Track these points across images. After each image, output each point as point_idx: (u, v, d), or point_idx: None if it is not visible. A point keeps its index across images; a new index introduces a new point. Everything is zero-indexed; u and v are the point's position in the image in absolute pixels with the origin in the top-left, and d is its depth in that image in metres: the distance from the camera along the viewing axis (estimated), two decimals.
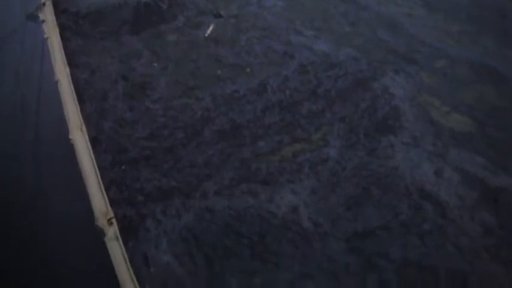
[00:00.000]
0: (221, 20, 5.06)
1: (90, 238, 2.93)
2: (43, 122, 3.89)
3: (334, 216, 3.11)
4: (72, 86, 3.90)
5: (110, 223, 2.91)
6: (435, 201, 3.15)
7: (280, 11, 5.15)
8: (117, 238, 2.83)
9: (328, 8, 5.18)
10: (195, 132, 3.73)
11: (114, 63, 4.50)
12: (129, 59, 4.55)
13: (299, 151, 3.55)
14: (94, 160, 3.27)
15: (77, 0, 5.29)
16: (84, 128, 3.53)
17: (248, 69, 4.33)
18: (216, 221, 3.10)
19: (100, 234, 2.85)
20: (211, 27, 4.96)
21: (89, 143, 3.40)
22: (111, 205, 3.02)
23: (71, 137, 3.45)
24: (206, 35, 4.87)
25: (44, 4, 4.95)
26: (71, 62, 4.28)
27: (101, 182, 3.12)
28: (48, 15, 4.81)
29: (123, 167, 3.48)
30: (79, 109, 3.70)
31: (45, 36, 4.54)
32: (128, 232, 3.00)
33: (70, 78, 3.99)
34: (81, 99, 3.91)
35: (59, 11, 5.03)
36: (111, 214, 2.95)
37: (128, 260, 2.72)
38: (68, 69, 4.08)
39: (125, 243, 2.86)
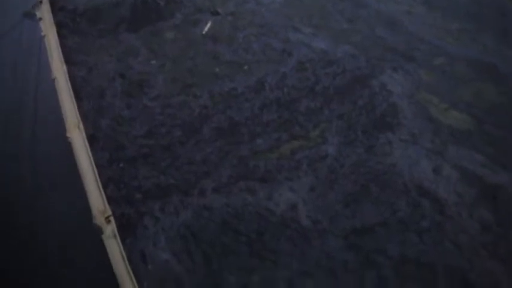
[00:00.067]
0: (218, 17, 5.05)
1: (88, 236, 2.92)
2: (40, 120, 3.87)
3: (332, 213, 3.11)
4: (69, 84, 3.90)
5: (108, 221, 2.90)
6: (433, 199, 3.15)
7: (278, 8, 5.14)
8: (115, 236, 2.83)
9: (326, 5, 5.16)
10: (193, 130, 3.72)
11: (111, 61, 4.48)
12: (127, 56, 4.53)
13: (297, 148, 3.55)
14: (91, 158, 3.26)
15: None
16: (81, 126, 3.53)
17: (246, 67, 4.32)
18: (214, 219, 3.10)
19: (98, 232, 2.85)
20: (208, 25, 4.94)
21: (86, 141, 3.39)
22: (109, 203, 3.02)
23: (68, 135, 3.45)
24: (204, 32, 4.86)
25: (41, 2, 4.94)
26: (68, 60, 4.27)
27: (98, 180, 3.12)
28: (45, 12, 4.79)
29: (120, 165, 3.47)
30: (76, 107, 3.69)
31: (42, 34, 4.52)
32: (126, 230, 3.00)
33: (67, 76, 3.98)
34: (78, 97, 3.90)
35: (56, 9, 5.01)
36: (109, 212, 2.95)
37: (126, 258, 2.71)
38: (65, 67, 4.07)
39: (123, 241, 2.86)
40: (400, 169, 3.36)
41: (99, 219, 2.91)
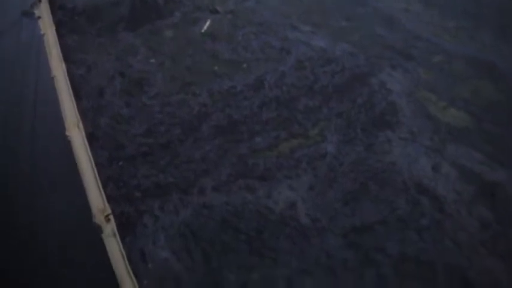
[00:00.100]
0: (218, 15, 5.05)
1: (88, 235, 2.93)
2: (40, 118, 3.87)
3: (331, 211, 3.11)
4: (68, 83, 3.90)
5: (108, 220, 2.91)
6: (433, 196, 3.16)
7: (276, 7, 5.14)
8: (114, 235, 2.83)
9: (325, 3, 5.17)
10: (192, 128, 3.73)
11: (110, 59, 4.48)
12: (126, 55, 4.53)
13: (296, 147, 3.55)
14: (91, 157, 3.27)
15: None
16: (80, 125, 3.53)
17: (245, 65, 4.32)
18: (213, 217, 3.10)
19: (97, 231, 2.85)
20: (207, 23, 4.94)
21: (85, 139, 3.40)
22: (109, 202, 3.02)
23: (67, 133, 3.45)
24: (203, 30, 4.86)
25: (40, 1, 4.94)
26: (67, 59, 4.27)
27: (98, 179, 3.12)
28: (44, 11, 4.79)
29: (120, 164, 3.47)
30: (76, 105, 3.69)
31: (42, 32, 4.52)
32: (125, 228, 3.00)
33: (66, 74, 3.99)
34: (77, 96, 3.90)
35: (55, 8, 5.01)
36: (109, 211, 2.95)
37: (125, 257, 2.72)
38: (64, 66, 4.08)
39: (123, 239, 2.86)
40: (400, 167, 3.36)
41: (98, 217, 2.92)
